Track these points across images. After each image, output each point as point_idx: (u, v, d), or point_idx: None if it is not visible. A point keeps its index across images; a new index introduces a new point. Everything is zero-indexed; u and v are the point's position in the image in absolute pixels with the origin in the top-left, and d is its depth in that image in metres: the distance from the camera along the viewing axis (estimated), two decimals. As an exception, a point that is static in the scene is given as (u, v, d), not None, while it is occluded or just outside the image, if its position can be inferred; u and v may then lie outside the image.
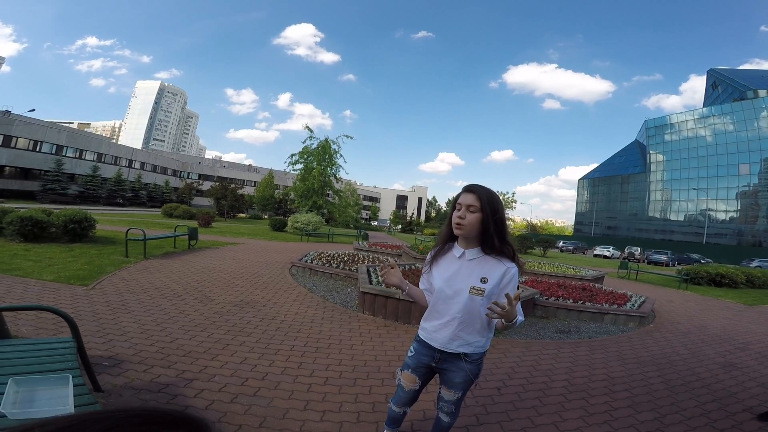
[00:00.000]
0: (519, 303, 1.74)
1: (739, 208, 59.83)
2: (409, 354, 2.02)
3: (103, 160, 47.46)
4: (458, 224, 1.75)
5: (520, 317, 1.77)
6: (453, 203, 1.85)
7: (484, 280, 1.76)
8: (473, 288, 1.75)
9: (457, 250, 1.84)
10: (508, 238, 1.79)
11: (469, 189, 1.78)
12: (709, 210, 61.63)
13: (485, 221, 1.72)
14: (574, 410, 3.18)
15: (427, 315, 1.95)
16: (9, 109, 38.76)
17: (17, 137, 37.74)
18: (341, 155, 33.09)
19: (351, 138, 33.51)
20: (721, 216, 61.53)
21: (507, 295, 1.63)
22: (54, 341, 2.46)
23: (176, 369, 3.21)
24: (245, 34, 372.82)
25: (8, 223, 8.52)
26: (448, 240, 1.89)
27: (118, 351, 3.44)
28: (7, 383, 1.63)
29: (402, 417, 2.18)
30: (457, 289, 1.79)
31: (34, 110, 37.76)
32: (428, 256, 1.98)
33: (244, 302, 5.59)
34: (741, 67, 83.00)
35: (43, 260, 6.87)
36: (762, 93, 60.02)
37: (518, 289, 1.80)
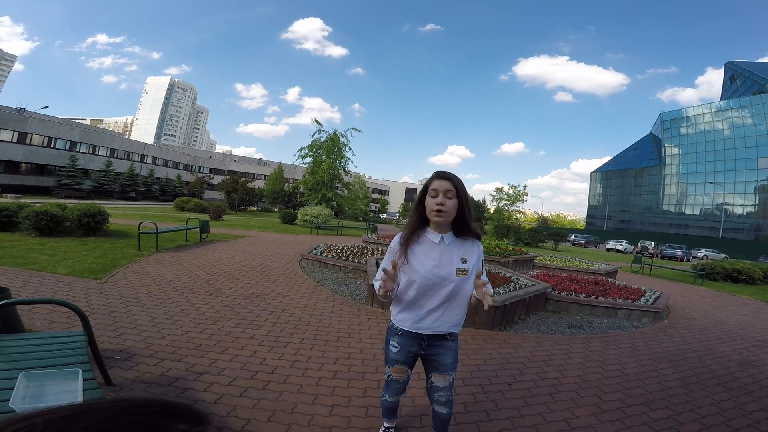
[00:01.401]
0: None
1: (757, 202, 58.45)
2: (394, 350, 1.99)
3: (115, 156, 48.10)
4: (439, 210, 1.77)
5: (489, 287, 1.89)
6: (424, 190, 1.86)
7: (464, 260, 1.84)
8: (459, 270, 1.82)
9: (434, 235, 1.85)
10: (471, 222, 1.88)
11: (444, 176, 1.81)
12: (726, 204, 60.34)
13: (461, 206, 1.79)
14: (587, 407, 3.13)
15: (408, 305, 1.91)
16: (23, 107, 39.48)
17: (32, 134, 38.41)
18: (350, 148, 33.08)
19: (359, 131, 33.48)
20: (738, 210, 60.22)
21: (478, 277, 1.74)
22: (66, 335, 2.48)
23: (186, 362, 3.23)
24: (253, 29, 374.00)
25: (24, 217, 8.67)
26: (417, 228, 1.88)
27: (129, 344, 3.47)
28: (17, 378, 1.64)
29: (397, 405, 2.26)
30: (444, 274, 1.81)
31: (47, 107, 38.64)
32: (397, 244, 1.90)
33: (254, 295, 5.62)
34: (760, 60, 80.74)
35: (58, 254, 6.98)
36: (781, 86, 58.37)
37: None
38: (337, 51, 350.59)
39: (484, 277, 1.81)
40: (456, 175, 1.83)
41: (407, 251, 1.87)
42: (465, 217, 1.82)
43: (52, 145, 40.40)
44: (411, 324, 1.91)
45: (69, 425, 0.33)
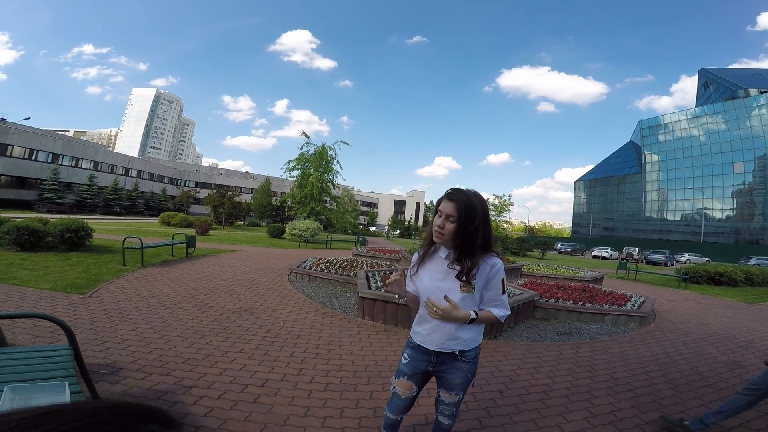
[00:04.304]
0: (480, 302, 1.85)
1: (735, 206, 60.19)
2: (404, 361, 1.98)
3: (99, 169, 47.32)
4: (438, 233, 1.77)
5: (501, 312, 1.84)
6: (435, 208, 1.84)
7: (472, 277, 1.78)
8: (462, 286, 1.78)
9: (443, 251, 1.85)
10: (488, 246, 1.80)
11: (451, 198, 1.76)
12: (706, 209, 61.94)
13: (458, 232, 1.74)
14: (578, 411, 3.15)
15: (419, 318, 1.93)
16: (4, 117, 38.64)
17: (13, 146, 37.59)
18: (338, 161, 33.15)
19: (348, 144, 33.67)
20: (718, 215, 61.84)
21: (445, 297, 1.75)
22: (51, 349, 2.42)
23: (175, 376, 3.17)
24: (241, 41, 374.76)
25: (4, 232, 8.46)
26: (432, 242, 1.87)
27: (116, 359, 3.39)
28: (2, 391, 1.60)
29: (398, 424, 2.14)
30: (447, 288, 1.80)
31: (29, 118, 37.75)
32: (414, 258, 1.96)
33: (243, 309, 5.55)
34: (731, 66, 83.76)
35: (40, 269, 6.81)
36: (753, 91, 60.63)
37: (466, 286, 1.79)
38: (325, 63, 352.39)
39: (503, 298, 1.84)
40: (469, 195, 1.76)
41: (420, 264, 1.92)
42: (462, 244, 1.75)
43: (33, 158, 39.57)
44: (421, 338, 1.90)
45: (42, 423, 0.35)
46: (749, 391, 2.75)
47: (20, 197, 37.65)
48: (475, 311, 1.79)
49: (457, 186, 1.87)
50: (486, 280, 1.81)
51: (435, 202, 1.87)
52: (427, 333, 1.87)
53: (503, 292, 1.84)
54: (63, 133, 66.29)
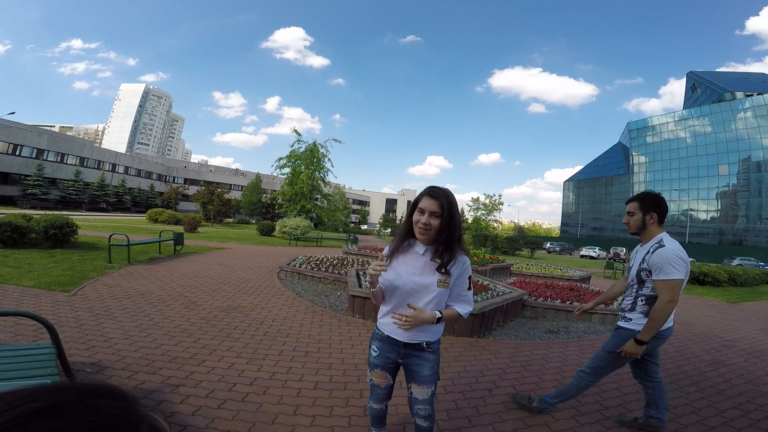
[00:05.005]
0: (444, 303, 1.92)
1: (719, 207, 61.35)
2: (373, 354, 2.03)
3: (85, 165, 46.55)
4: (424, 230, 1.82)
5: (466, 309, 1.95)
6: (414, 205, 1.90)
7: (447, 273, 1.86)
8: (440, 281, 1.85)
9: (420, 247, 1.89)
10: (461, 240, 1.91)
11: (433, 195, 1.83)
12: (691, 210, 63.04)
13: (442, 227, 1.82)
14: (566, 410, 3.18)
15: (387, 310, 1.96)
16: (-13, 113, 37.79)
17: (-4, 141, 36.80)
18: (329, 159, 33.05)
19: (339, 142, 33.54)
20: (703, 216, 63.00)
21: (409, 304, 1.84)
22: (33, 347, 2.37)
23: (161, 375, 3.13)
24: (234, 37, 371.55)
25: (-14, 228, 8.26)
26: (407, 237, 1.93)
27: (101, 357, 3.34)
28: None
29: (384, 413, 2.22)
30: (425, 284, 1.86)
31: (13, 113, 37.03)
32: (385, 252, 1.98)
33: (232, 307, 5.50)
34: (719, 70, 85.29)
35: (23, 266, 6.67)
36: (739, 95, 61.79)
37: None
38: (318, 61, 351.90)
39: (468, 294, 1.94)
40: (447, 192, 1.85)
41: (392, 258, 1.94)
42: (446, 239, 1.83)
43: (17, 153, 38.81)
44: (390, 329, 1.94)
45: None
46: (587, 369, 2.88)
47: (3, 193, 36.90)
48: (440, 311, 1.87)
49: (445, 186, 1.88)
50: (457, 276, 1.89)
51: (414, 200, 1.92)
52: (399, 325, 1.90)
53: (469, 288, 1.94)
54: (48, 128, 65.02)
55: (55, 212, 12.57)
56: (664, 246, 2.53)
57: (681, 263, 2.48)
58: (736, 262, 34.92)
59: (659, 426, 2.92)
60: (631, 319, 2.69)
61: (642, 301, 2.65)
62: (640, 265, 2.65)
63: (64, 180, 42.65)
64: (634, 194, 2.85)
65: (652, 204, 2.67)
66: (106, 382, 0.44)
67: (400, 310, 1.87)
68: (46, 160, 41.42)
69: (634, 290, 2.70)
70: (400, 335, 1.91)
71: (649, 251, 2.60)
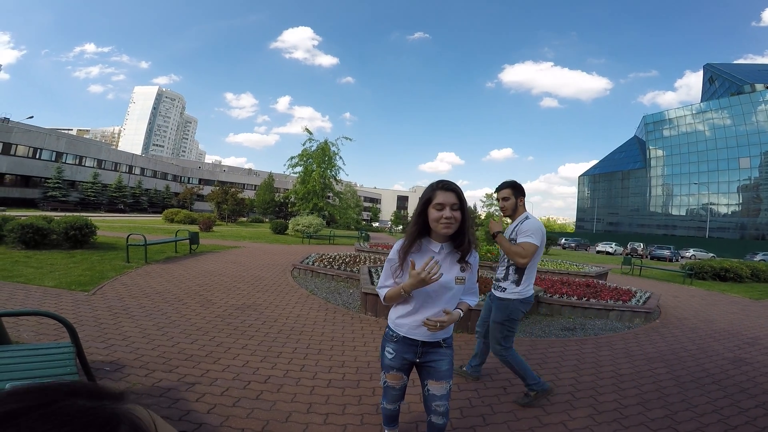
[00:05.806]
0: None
1: (740, 201, 59.72)
2: (389, 356, 1.96)
3: (103, 167, 47.57)
4: (449, 224, 1.78)
5: (474, 300, 2.03)
6: (426, 202, 1.83)
7: (463, 269, 1.87)
8: (458, 278, 1.85)
9: (434, 245, 1.86)
10: (473, 228, 1.94)
11: (449, 187, 1.81)
12: (711, 204, 61.51)
13: (465, 217, 1.82)
14: (583, 408, 3.13)
15: (409, 312, 1.89)
16: (7, 117, 38.85)
17: (17, 145, 37.85)
18: (340, 157, 33.14)
19: (350, 140, 33.60)
20: (723, 210, 61.41)
21: (445, 311, 1.83)
22: (53, 346, 2.42)
23: (178, 373, 3.17)
24: (243, 39, 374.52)
25: (9, 230, 8.50)
26: (418, 238, 1.86)
27: (119, 356, 3.40)
28: (5, 388, 1.60)
29: (397, 413, 2.21)
30: (444, 282, 1.82)
31: (32, 117, 38.13)
32: (396, 254, 1.89)
33: (246, 305, 5.55)
34: (737, 62, 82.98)
35: (45, 267, 6.84)
36: (759, 87, 60.04)
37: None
38: (327, 60, 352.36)
39: (476, 286, 2.02)
40: (456, 185, 1.85)
41: (405, 259, 1.84)
42: (465, 229, 1.83)
43: (37, 156, 39.83)
44: (408, 329, 1.90)
45: None
46: (498, 348, 3.12)
47: (25, 196, 37.92)
48: (460, 309, 1.91)
49: (457, 182, 1.84)
50: (474, 271, 1.94)
51: (427, 196, 1.85)
52: (417, 325, 1.87)
53: (477, 280, 2.01)
54: (66, 131, 66.53)
55: (75, 214, 12.85)
56: (529, 218, 3.07)
57: (540, 234, 2.95)
58: (759, 257, 34.02)
59: (476, 375, 3.50)
60: (505, 289, 3.07)
61: (512, 270, 3.05)
62: (509, 236, 3.10)
63: (83, 182, 43.65)
64: (504, 182, 3.23)
65: (520, 190, 3.17)
66: (87, 381, 0.43)
67: (427, 315, 1.83)
68: (65, 162, 42.44)
69: (506, 261, 3.10)
70: (420, 335, 1.88)
71: (517, 224, 3.08)
